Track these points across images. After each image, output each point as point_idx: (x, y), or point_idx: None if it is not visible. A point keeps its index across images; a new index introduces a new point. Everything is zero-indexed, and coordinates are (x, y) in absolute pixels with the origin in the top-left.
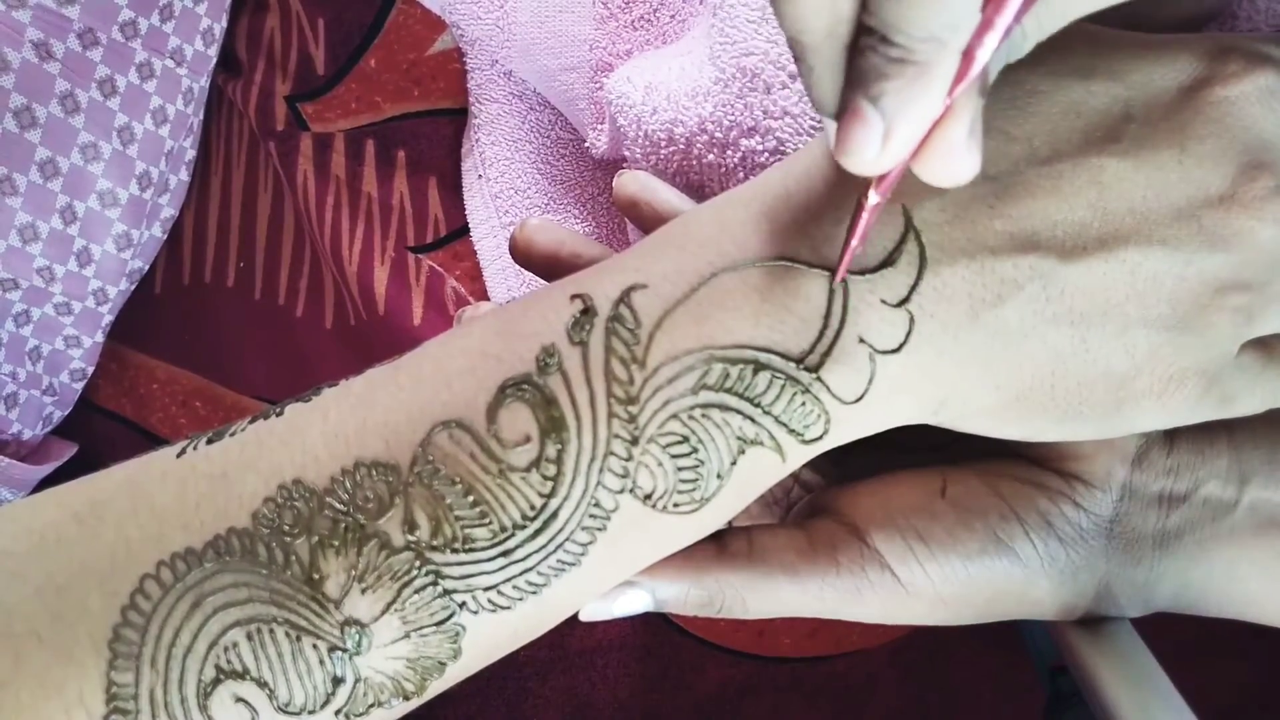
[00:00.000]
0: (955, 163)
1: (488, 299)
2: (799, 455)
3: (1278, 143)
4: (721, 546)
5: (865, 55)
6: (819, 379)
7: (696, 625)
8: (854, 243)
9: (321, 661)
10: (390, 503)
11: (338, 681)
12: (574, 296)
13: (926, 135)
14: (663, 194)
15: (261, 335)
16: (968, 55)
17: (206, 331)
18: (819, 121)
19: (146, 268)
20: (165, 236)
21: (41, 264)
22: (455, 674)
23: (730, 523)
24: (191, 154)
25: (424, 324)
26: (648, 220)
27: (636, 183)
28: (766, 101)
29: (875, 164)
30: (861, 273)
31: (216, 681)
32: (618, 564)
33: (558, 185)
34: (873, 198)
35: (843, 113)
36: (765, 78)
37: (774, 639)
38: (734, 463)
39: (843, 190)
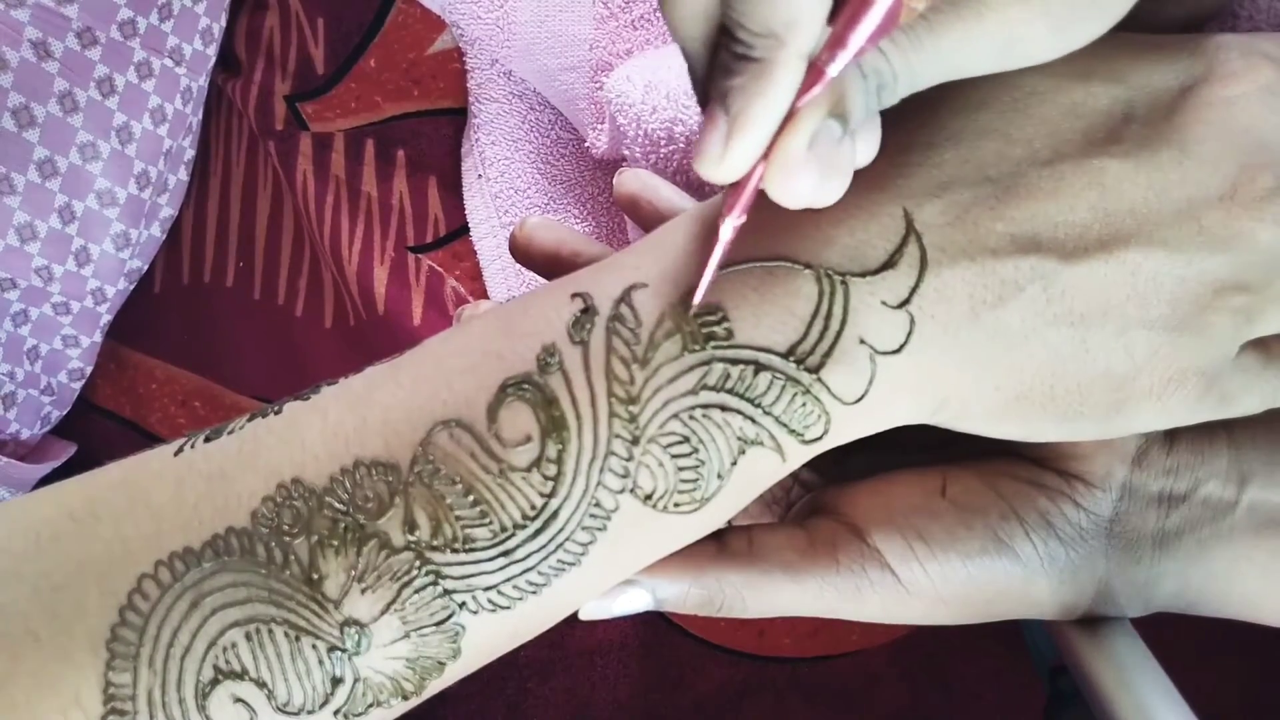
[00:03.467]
0: (793, 177)
1: (488, 298)
2: (799, 455)
3: (1278, 143)
4: (721, 546)
5: (719, 54)
6: (819, 379)
7: (696, 625)
8: (708, 270)
9: (320, 661)
10: (390, 502)
11: (337, 681)
12: (574, 295)
13: (770, 146)
14: (664, 192)
15: (261, 335)
16: (817, 69)
17: (205, 331)
18: None
19: (145, 267)
20: (164, 236)
21: (40, 263)
22: (454, 673)
23: (730, 522)
24: (190, 153)
25: (423, 324)
26: (648, 218)
27: (638, 181)
28: None
29: (719, 166)
30: (863, 275)
31: (215, 682)
32: (618, 563)
33: (558, 185)
34: (725, 221)
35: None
36: None
37: (774, 639)
38: (734, 463)
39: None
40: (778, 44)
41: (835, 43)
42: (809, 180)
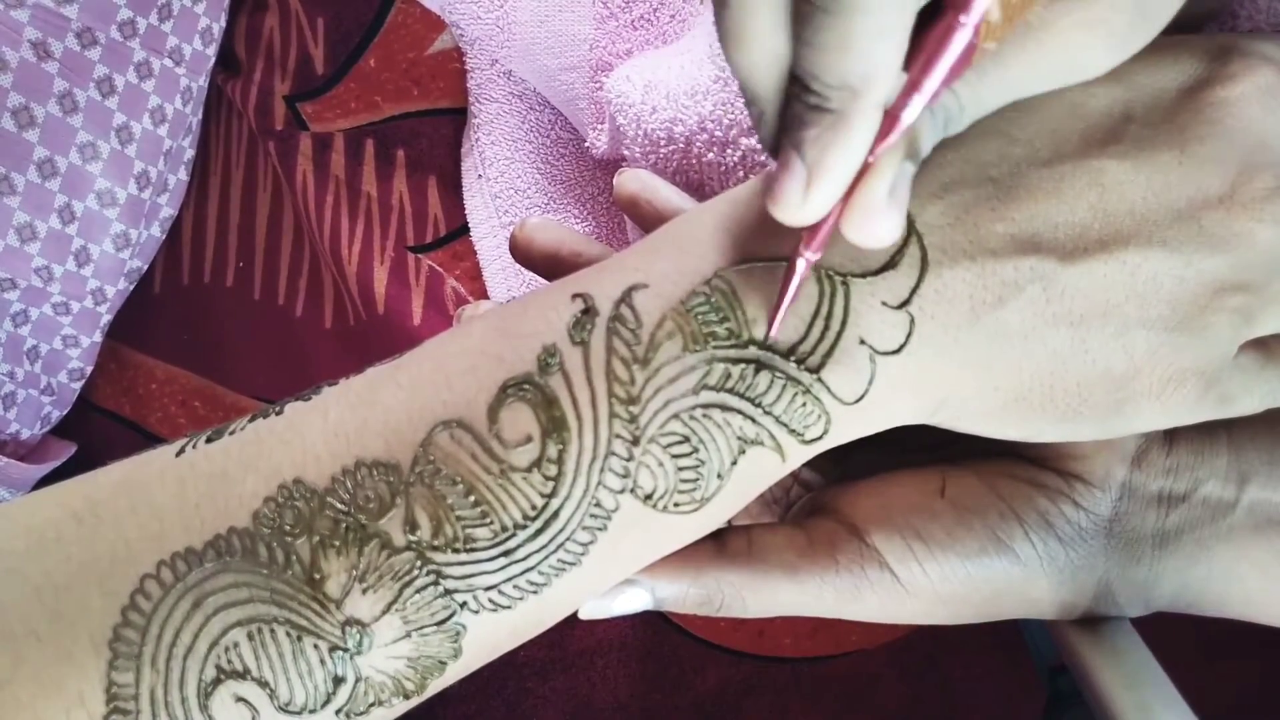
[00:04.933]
0: (873, 222)
1: (488, 299)
2: (799, 455)
3: (1277, 143)
4: (721, 545)
5: (791, 103)
6: (819, 379)
7: (696, 625)
8: (785, 302)
9: (322, 661)
10: (391, 502)
11: (339, 681)
12: (575, 296)
13: (850, 191)
14: (664, 192)
15: (261, 335)
16: (892, 115)
17: (205, 331)
18: None
19: (145, 267)
20: (164, 236)
21: (40, 264)
22: (455, 673)
23: (730, 521)
24: (190, 153)
25: (423, 324)
26: (648, 219)
27: (638, 181)
28: None
29: (799, 213)
30: (864, 275)
31: (217, 681)
32: (618, 563)
33: (558, 185)
34: (803, 257)
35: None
36: None
37: (774, 639)
38: (734, 462)
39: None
40: (853, 96)
41: (911, 88)
42: (892, 223)
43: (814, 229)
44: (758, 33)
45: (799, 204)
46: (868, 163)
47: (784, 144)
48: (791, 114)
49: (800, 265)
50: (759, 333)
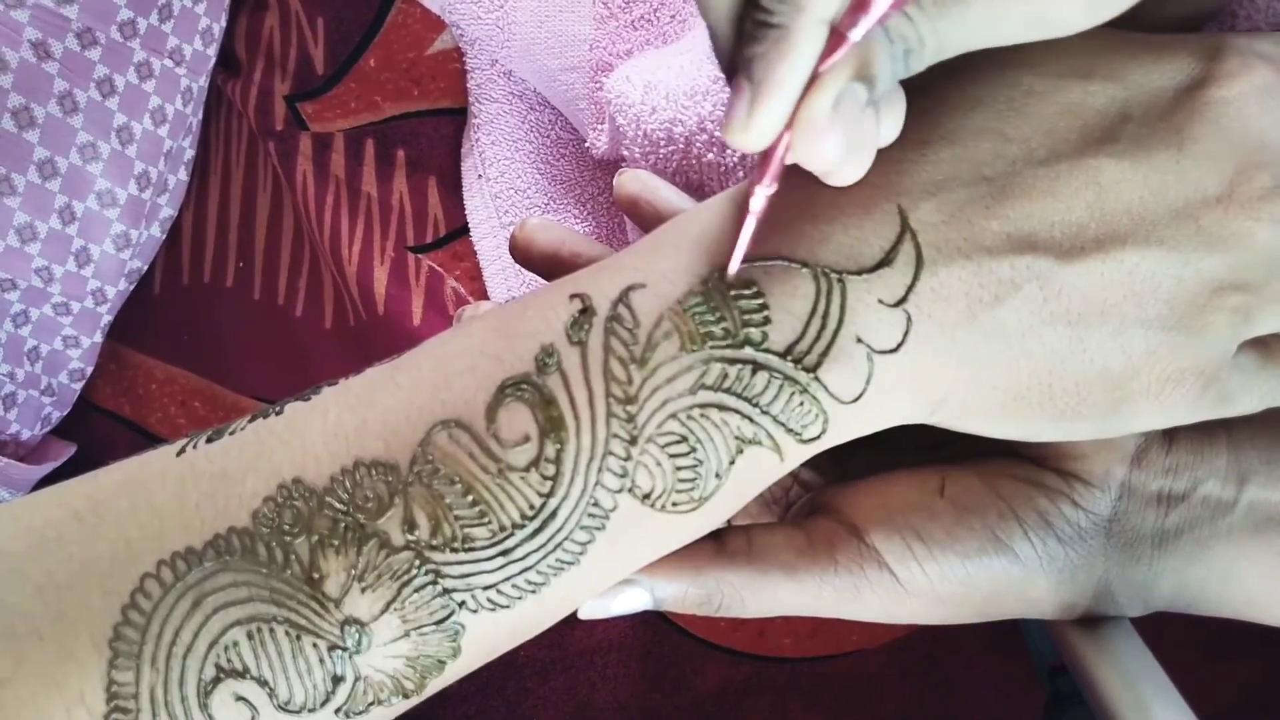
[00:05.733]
0: (817, 139)
1: (487, 299)
2: (797, 455)
3: (1275, 142)
4: (720, 545)
5: (744, 25)
6: (817, 379)
7: (696, 625)
8: (743, 239)
9: (321, 660)
10: (390, 502)
11: (338, 680)
12: (573, 296)
13: (794, 111)
14: (663, 193)
15: (261, 335)
16: (840, 34)
17: (205, 331)
18: None
19: (145, 268)
20: (164, 236)
21: (40, 264)
22: (454, 672)
23: (729, 521)
24: (190, 154)
25: (423, 324)
26: (648, 219)
27: (637, 181)
28: None
29: (745, 134)
30: (859, 273)
31: (217, 680)
32: (616, 563)
33: (558, 185)
34: (757, 188)
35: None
36: None
37: (774, 639)
38: (732, 462)
39: (841, 189)
40: (797, 10)
41: (858, 6)
42: (835, 143)
43: (766, 159)
44: None
45: (744, 124)
46: (813, 80)
47: (737, 65)
48: (744, 34)
49: (756, 200)
50: (757, 334)
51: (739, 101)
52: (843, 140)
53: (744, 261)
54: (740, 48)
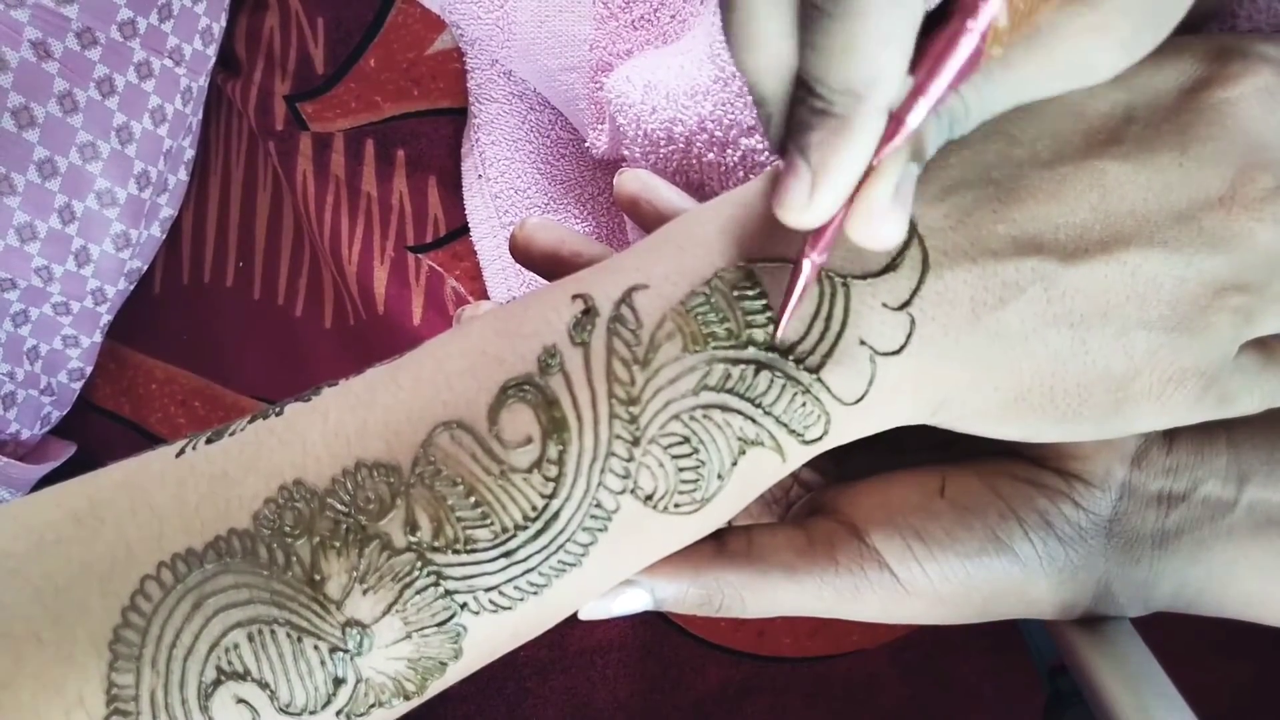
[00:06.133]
0: (877, 224)
1: (488, 299)
2: (799, 455)
3: (1277, 143)
4: (721, 545)
5: (796, 107)
6: (819, 380)
7: (696, 625)
8: (791, 304)
9: (323, 662)
10: (391, 504)
11: (339, 682)
12: (575, 296)
13: (854, 194)
14: (664, 193)
15: (260, 335)
16: (897, 119)
17: (205, 331)
18: None
19: (145, 267)
20: (164, 236)
21: (40, 264)
22: (456, 673)
23: (730, 522)
24: (190, 153)
25: (424, 324)
26: (649, 219)
27: (638, 181)
28: None
29: (803, 216)
30: (864, 277)
31: (217, 683)
32: (618, 564)
33: (558, 185)
34: (808, 259)
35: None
36: None
37: (774, 639)
38: (734, 463)
39: None
40: (857, 100)
41: (916, 93)
42: (896, 225)
43: (819, 231)
44: (764, 36)
45: (803, 207)
46: (872, 165)
47: (789, 147)
48: (797, 117)
49: (806, 267)
50: (759, 335)
51: (795, 183)
52: (903, 220)
53: (744, 262)
54: (795, 129)
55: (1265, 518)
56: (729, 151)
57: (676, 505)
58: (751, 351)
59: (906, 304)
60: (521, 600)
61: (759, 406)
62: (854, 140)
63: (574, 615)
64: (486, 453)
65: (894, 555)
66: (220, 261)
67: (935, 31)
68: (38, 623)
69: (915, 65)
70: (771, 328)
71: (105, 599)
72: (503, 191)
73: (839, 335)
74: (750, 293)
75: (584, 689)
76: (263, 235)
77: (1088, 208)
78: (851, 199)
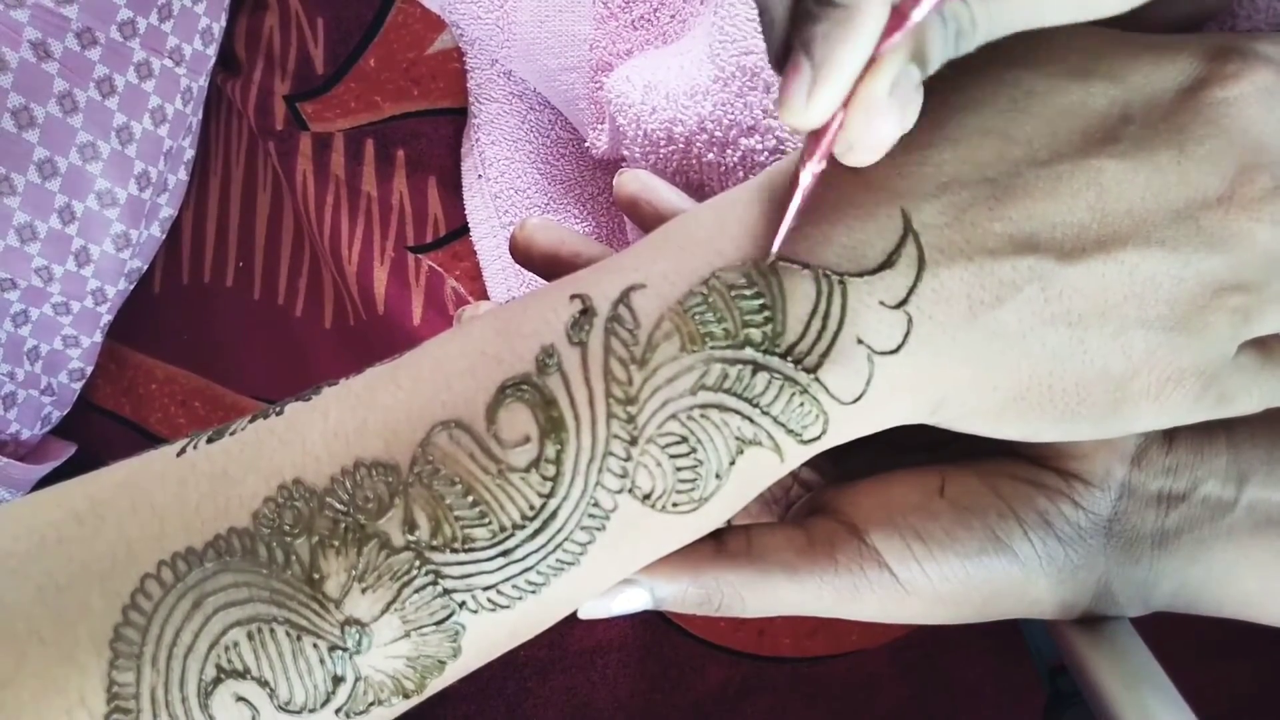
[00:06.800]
0: (874, 120)
1: (487, 299)
2: (797, 455)
3: (1276, 143)
4: (720, 545)
5: (800, 3)
6: (817, 379)
7: (696, 625)
8: (789, 214)
9: (322, 660)
10: (390, 503)
11: (338, 680)
12: (573, 296)
13: (852, 92)
14: (663, 193)
15: (261, 335)
16: (901, 13)
17: (205, 331)
18: None
19: (145, 267)
20: (164, 236)
21: (40, 264)
22: (455, 672)
23: (729, 521)
24: (190, 153)
25: (424, 324)
26: (648, 219)
27: (637, 181)
28: (766, 100)
29: (804, 114)
30: (860, 275)
31: (217, 681)
32: (617, 563)
33: (558, 185)
34: (806, 168)
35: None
36: (765, 76)
37: (774, 639)
38: (733, 463)
39: (844, 191)
40: None
41: None
42: (890, 124)
43: (816, 138)
44: None
45: (804, 104)
46: (871, 61)
47: (793, 44)
48: (801, 12)
49: (805, 178)
50: (757, 335)
51: (797, 81)
52: (898, 121)
53: (742, 262)
54: (799, 25)
55: (1265, 517)
56: (729, 151)
57: (675, 505)
58: (749, 352)
59: (904, 302)
60: (520, 599)
61: (757, 406)
62: (857, 30)
63: (574, 615)
64: (484, 452)
65: (894, 555)
66: (220, 261)
67: None
68: (39, 621)
69: None
70: (769, 326)
71: (106, 598)
72: (503, 191)
73: (836, 334)
74: (748, 293)
75: (584, 689)
76: (263, 235)
77: (1085, 206)
78: (850, 100)
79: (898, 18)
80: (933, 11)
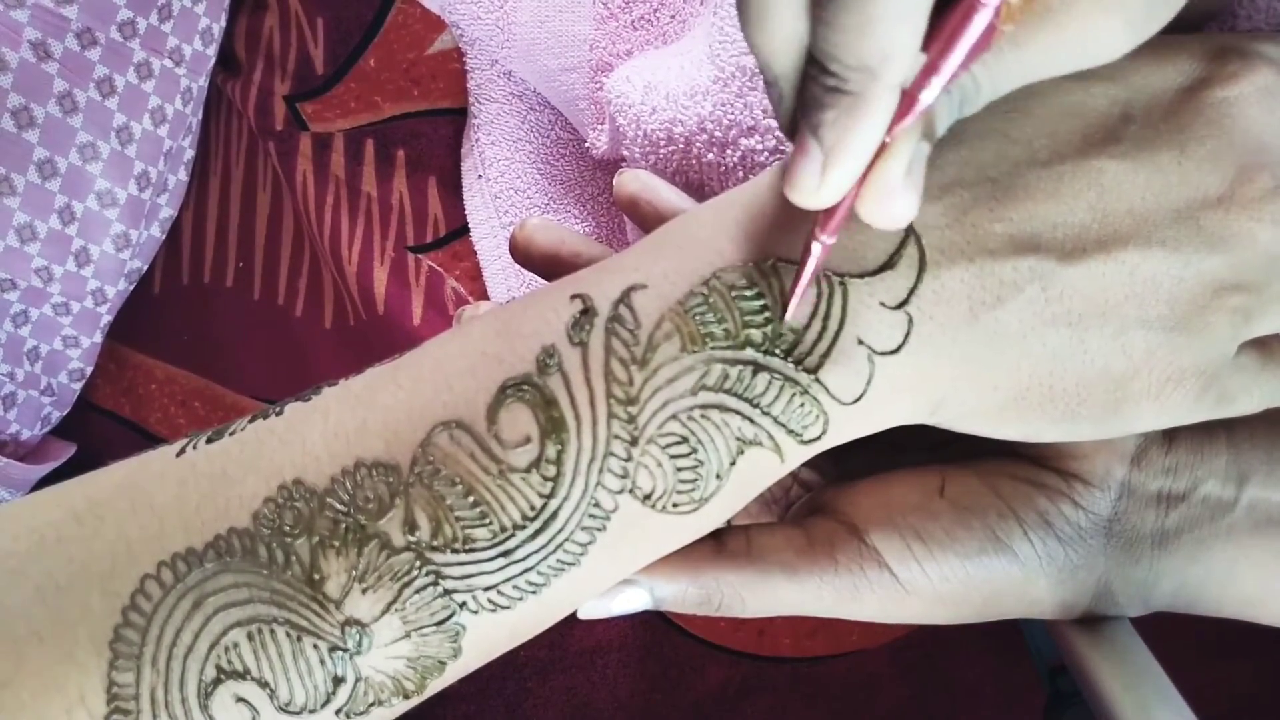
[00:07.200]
0: (890, 202)
1: (488, 299)
2: (797, 455)
3: (1276, 143)
4: (720, 545)
5: (808, 85)
6: (817, 380)
7: (696, 625)
8: (801, 287)
9: (322, 661)
10: (391, 503)
11: (338, 681)
12: (574, 296)
13: (866, 173)
14: (663, 193)
15: (260, 335)
16: (910, 96)
17: (205, 331)
18: None
19: (145, 268)
20: (164, 236)
21: (40, 264)
22: (455, 673)
23: (729, 521)
24: (190, 154)
25: (424, 324)
26: (648, 219)
27: (638, 181)
28: (766, 100)
29: (815, 196)
30: (861, 275)
31: (217, 681)
32: (617, 563)
33: (558, 185)
34: (818, 241)
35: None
36: None
37: (774, 639)
38: (733, 463)
39: None
40: (871, 77)
41: (929, 70)
42: (908, 203)
43: (829, 213)
44: (777, 14)
45: (815, 187)
46: (884, 143)
47: (801, 126)
48: (809, 96)
49: (816, 250)
50: (757, 335)
51: (806, 163)
52: (915, 198)
53: (742, 263)
54: (806, 108)
55: (1265, 517)
56: (729, 151)
57: (675, 505)
58: (749, 352)
59: (904, 303)
60: (520, 599)
61: (757, 406)
62: (867, 118)
63: (574, 615)
64: (485, 452)
65: (893, 555)
66: (220, 262)
67: (948, 8)
68: (39, 622)
69: (928, 42)
70: (769, 327)
71: (106, 598)
72: (503, 191)
73: (837, 334)
74: (748, 293)
75: (584, 689)
76: (263, 235)
77: (1085, 207)
78: (863, 179)
79: (907, 100)
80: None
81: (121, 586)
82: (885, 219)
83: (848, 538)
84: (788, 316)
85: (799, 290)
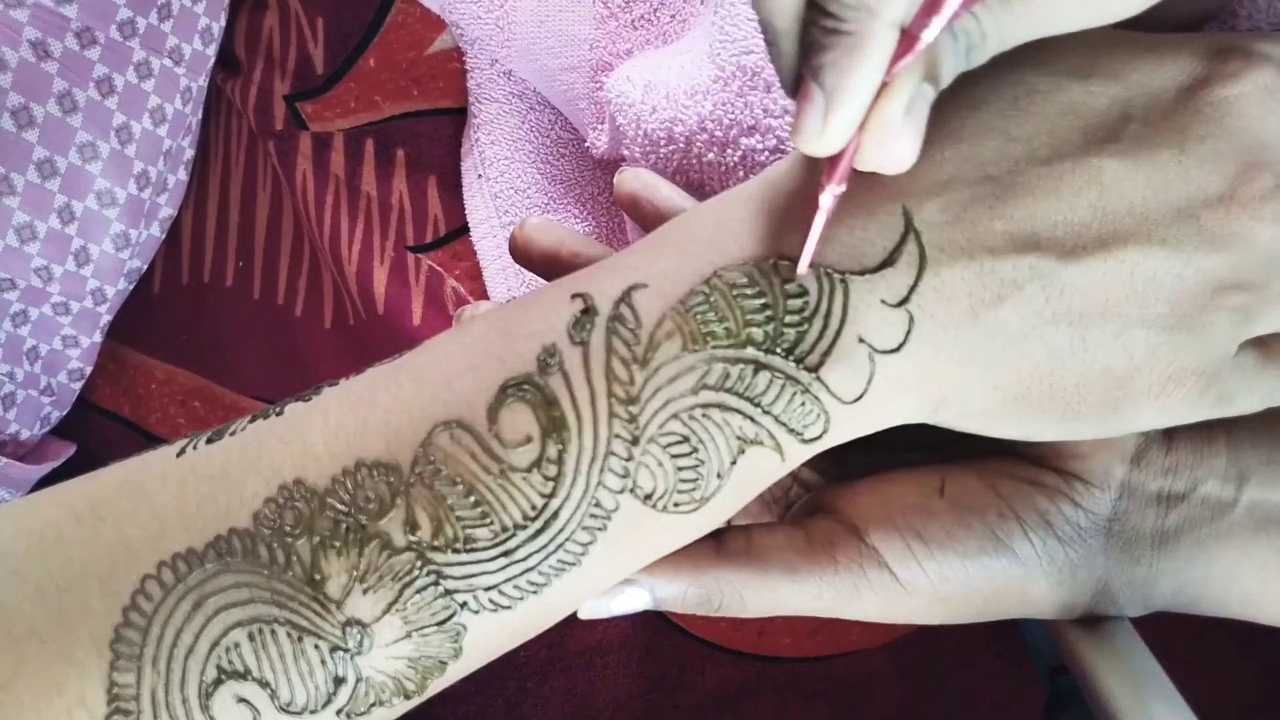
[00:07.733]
0: (889, 142)
1: (487, 299)
2: (798, 455)
3: (1277, 142)
4: (720, 545)
5: (809, 30)
6: (818, 379)
7: (696, 625)
8: (811, 238)
9: (323, 661)
10: (391, 503)
11: (339, 681)
12: (575, 296)
13: (868, 115)
14: (664, 192)
15: (260, 335)
16: (911, 35)
17: (205, 331)
18: None
19: (145, 267)
20: (164, 236)
21: (39, 264)
22: (456, 672)
23: (730, 521)
24: (190, 153)
25: (423, 324)
26: (648, 218)
27: (638, 180)
28: (766, 100)
29: (819, 142)
30: (862, 273)
31: (218, 682)
32: (618, 563)
33: (558, 185)
34: (826, 190)
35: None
36: (765, 76)
37: (774, 639)
38: (734, 462)
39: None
40: (869, 15)
41: (929, 9)
42: (908, 145)
43: (834, 161)
44: None
45: (819, 130)
46: (885, 83)
47: (804, 74)
48: (809, 41)
49: (825, 200)
50: (758, 334)
51: (810, 109)
52: (915, 140)
53: (743, 261)
54: (809, 55)
55: (1265, 517)
56: (729, 151)
57: (676, 504)
58: (751, 351)
59: (905, 300)
60: (521, 599)
61: (758, 406)
62: (866, 57)
63: (574, 615)
64: (486, 452)
65: (893, 555)
66: (220, 261)
67: None
68: (39, 622)
69: None
70: (771, 326)
71: (106, 598)
72: (503, 191)
73: (838, 333)
74: (749, 292)
75: (584, 689)
76: (262, 235)
77: (1086, 205)
78: (865, 123)
79: (908, 40)
80: (943, 30)
81: (122, 587)
82: (886, 161)
83: (848, 537)
84: (800, 267)
85: (810, 241)
